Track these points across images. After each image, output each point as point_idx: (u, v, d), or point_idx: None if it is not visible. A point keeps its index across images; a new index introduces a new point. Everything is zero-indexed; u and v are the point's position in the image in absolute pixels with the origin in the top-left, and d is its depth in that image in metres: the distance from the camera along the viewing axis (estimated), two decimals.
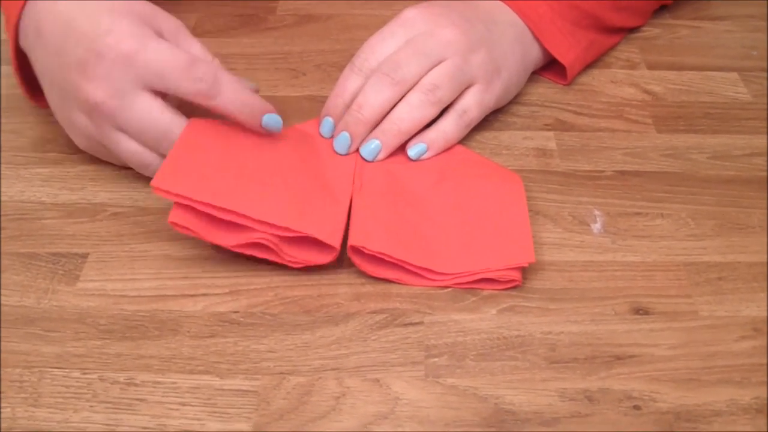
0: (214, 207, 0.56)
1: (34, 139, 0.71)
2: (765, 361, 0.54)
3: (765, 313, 0.57)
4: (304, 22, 0.87)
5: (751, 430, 0.50)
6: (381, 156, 0.67)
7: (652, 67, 0.80)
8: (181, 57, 0.59)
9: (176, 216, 0.56)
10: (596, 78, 0.79)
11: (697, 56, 0.82)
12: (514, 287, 0.58)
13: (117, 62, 0.58)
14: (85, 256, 0.61)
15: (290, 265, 0.58)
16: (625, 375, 0.53)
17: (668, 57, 0.82)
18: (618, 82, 0.78)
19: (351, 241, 0.58)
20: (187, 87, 0.59)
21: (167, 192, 0.56)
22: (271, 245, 0.57)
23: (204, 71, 0.59)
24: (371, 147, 0.66)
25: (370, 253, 0.57)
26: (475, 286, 0.58)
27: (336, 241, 0.58)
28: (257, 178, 0.60)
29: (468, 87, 0.68)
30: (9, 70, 0.79)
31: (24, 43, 0.65)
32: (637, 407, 0.51)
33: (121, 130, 0.61)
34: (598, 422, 0.50)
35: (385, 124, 0.67)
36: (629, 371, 0.53)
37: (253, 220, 0.57)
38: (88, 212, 0.64)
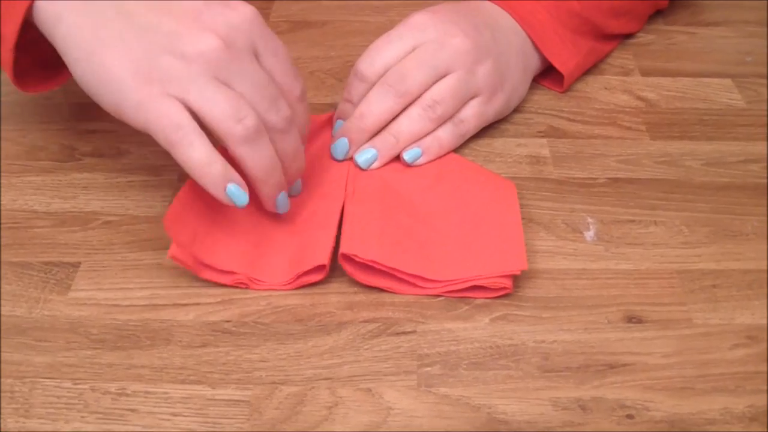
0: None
1: (26, 147, 0.71)
2: (759, 368, 0.54)
3: (759, 321, 0.56)
4: (298, 28, 0.87)
5: None
6: (375, 165, 0.67)
7: (645, 73, 0.80)
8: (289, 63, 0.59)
9: (175, 251, 0.57)
10: (590, 84, 0.78)
11: (692, 62, 0.82)
12: (506, 295, 0.58)
13: (242, 17, 0.56)
14: (76, 265, 0.60)
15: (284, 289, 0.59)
16: (618, 384, 0.52)
17: (662, 63, 0.82)
18: (611, 88, 0.78)
19: (343, 249, 0.58)
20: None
21: (173, 234, 0.56)
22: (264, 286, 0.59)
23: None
24: (367, 156, 0.67)
25: (362, 261, 0.57)
26: (466, 295, 0.58)
27: (325, 259, 0.58)
28: (247, 234, 0.61)
29: (470, 98, 0.68)
30: (6, 77, 0.79)
31: (47, 12, 0.58)
32: (630, 416, 0.51)
33: (225, 81, 0.56)
34: (592, 431, 0.50)
35: (384, 135, 0.67)
36: (623, 380, 0.53)
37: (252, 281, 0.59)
38: (80, 221, 0.64)
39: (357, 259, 0.57)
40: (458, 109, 0.68)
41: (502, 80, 0.70)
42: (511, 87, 0.72)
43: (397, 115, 0.67)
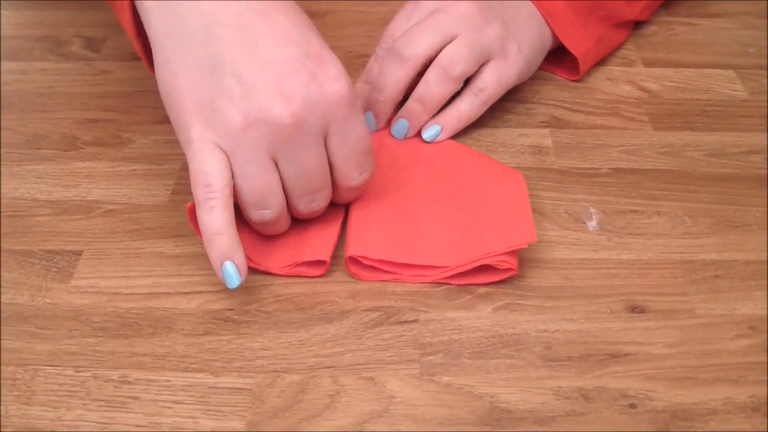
0: None
1: (28, 135, 0.71)
2: (761, 359, 0.54)
3: (761, 312, 0.56)
4: None
5: (747, 429, 0.50)
6: (411, 134, 0.69)
7: (648, 64, 0.80)
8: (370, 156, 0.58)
9: (191, 206, 0.55)
10: (592, 75, 0.78)
11: (694, 53, 0.82)
12: (509, 285, 0.58)
13: (326, 95, 0.53)
14: (78, 253, 0.60)
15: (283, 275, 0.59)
16: (620, 373, 0.52)
17: (664, 54, 0.82)
18: (614, 79, 0.78)
19: (350, 252, 0.58)
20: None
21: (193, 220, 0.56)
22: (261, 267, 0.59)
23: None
24: (400, 126, 0.68)
25: (370, 263, 0.57)
26: (473, 280, 0.58)
27: (326, 255, 0.58)
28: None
29: (485, 63, 0.69)
30: (9, 66, 0.79)
31: (141, 11, 0.57)
32: (632, 406, 0.51)
33: (275, 156, 0.54)
34: (594, 421, 0.50)
35: (408, 104, 0.68)
36: (625, 369, 0.53)
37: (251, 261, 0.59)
38: (82, 209, 0.64)
39: (365, 262, 0.57)
40: (474, 75, 0.69)
41: (517, 41, 0.70)
42: (528, 49, 0.71)
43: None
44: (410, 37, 0.67)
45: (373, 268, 0.58)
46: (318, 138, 0.54)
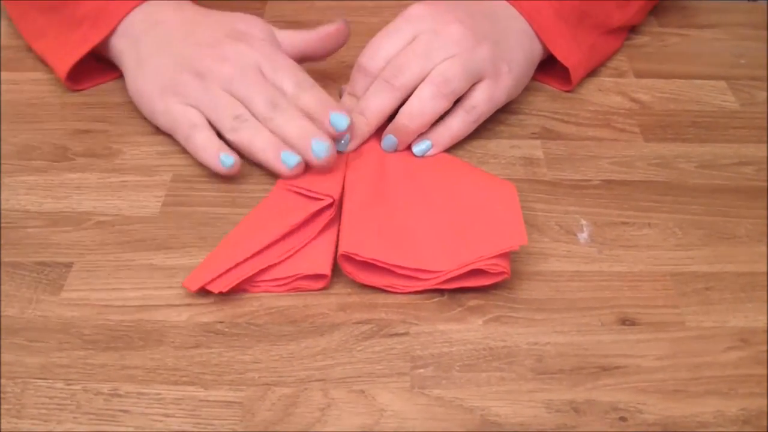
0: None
1: (19, 146, 0.71)
2: (752, 371, 0.54)
3: (752, 324, 0.56)
4: (291, 28, 0.87)
5: None
6: (399, 149, 0.69)
7: (639, 75, 0.80)
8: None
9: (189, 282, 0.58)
10: (583, 86, 0.78)
11: (685, 64, 0.82)
12: (502, 290, 0.58)
13: (247, 47, 0.69)
14: (69, 265, 0.60)
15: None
16: (611, 386, 0.52)
17: (656, 65, 0.82)
18: (605, 90, 0.78)
19: (342, 249, 0.57)
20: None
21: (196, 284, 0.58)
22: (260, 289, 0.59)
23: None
24: (388, 142, 0.68)
25: (362, 259, 0.57)
26: (467, 284, 0.58)
27: (326, 269, 0.58)
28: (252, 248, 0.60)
29: (477, 82, 0.68)
30: (1, 76, 0.79)
31: (114, 50, 0.75)
32: (623, 419, 0.51)
33: (230, 91, 0.68)
34: None
35: (399, 120, 0.67)
36: (616, 382, 0.53)
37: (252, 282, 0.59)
38: (72, 221, 0.64)
39: (357, 258, 0.57)
40: (466, 93, 0.68)
41: (507, 61, 0.70)
42: (518, 68, 0.71)
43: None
44: (401, 66, 0.67)
45: (366, 268, 0.58)
46: (255, 72, 0.68)
